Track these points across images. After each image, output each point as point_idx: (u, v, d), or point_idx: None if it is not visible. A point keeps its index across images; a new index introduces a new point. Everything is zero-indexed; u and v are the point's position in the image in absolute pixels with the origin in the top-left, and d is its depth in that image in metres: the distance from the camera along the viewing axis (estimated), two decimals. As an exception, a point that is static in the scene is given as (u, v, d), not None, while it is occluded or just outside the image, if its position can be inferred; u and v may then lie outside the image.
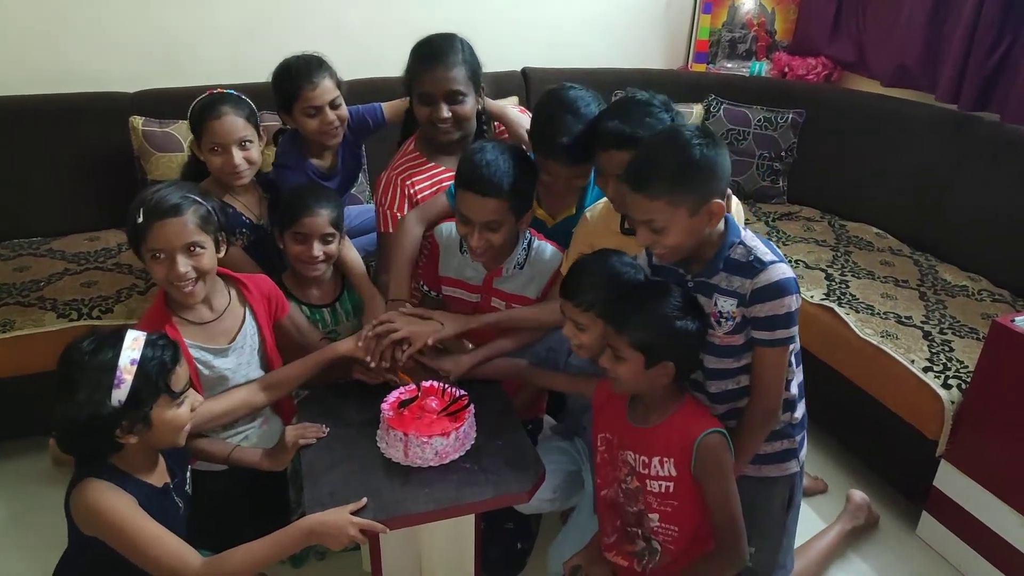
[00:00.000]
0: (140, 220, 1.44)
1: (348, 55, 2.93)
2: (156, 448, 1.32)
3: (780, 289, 1.36)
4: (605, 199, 1.72)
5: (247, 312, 1.64)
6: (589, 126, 1.65)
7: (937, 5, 2.70)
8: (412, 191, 1.96)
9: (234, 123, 1.85)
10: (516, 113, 2.14)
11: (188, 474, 1.43)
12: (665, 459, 1.40)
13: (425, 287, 1.88)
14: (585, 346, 1.50)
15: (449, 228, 1.81)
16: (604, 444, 1.52)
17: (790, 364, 1.47)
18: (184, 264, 1.46)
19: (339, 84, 2.03)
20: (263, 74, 2.72)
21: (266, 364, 1.68)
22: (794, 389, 1.51)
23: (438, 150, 1.98)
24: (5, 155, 2.49)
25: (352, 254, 1.94)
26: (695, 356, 1.43)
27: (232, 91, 1.94)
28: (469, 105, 1.90)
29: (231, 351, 1.59)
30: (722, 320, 1.41)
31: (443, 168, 1.98)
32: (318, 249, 1.81)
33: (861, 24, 3.08)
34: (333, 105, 2.00)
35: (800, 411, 1.54)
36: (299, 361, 1.64)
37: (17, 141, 2.50)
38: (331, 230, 1.83)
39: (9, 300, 2.16)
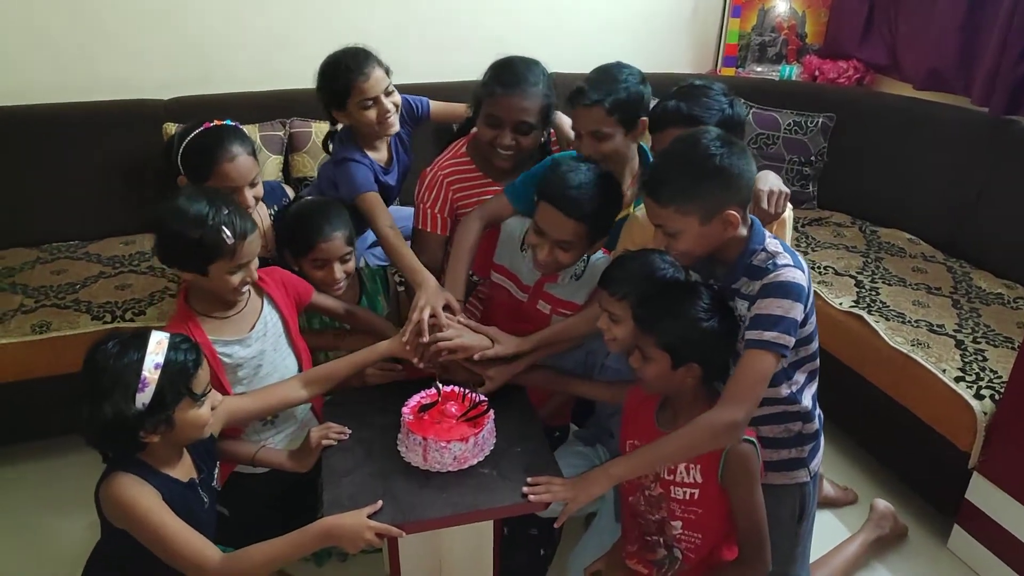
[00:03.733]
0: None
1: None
2: (179, 445, 1.35)
3: (783, 290, 1.32)
4: None
5: (264, 300, 1.66)
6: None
7: (971, 7, 2.64)
8: (455, 196, 1.95)
9: (246, 164, 1.77)
10: (566, 118, 2.07)
11: (216, 470, 1.46)
12: (692, 465, 1.39)
13: (472, 273, 1.86)
14: (619, 339, 1.50)
15: (515, 222, 1.81)
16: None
17: (805, 378, 1.44)
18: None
19: (388, 70, 2.01)
20: (292, 81, 2.80)
21: (294, 347, 1.70)
22: (807, 402, 1.48)
23: (491, 164, 1.95)
24: (44, 162, 2.57)
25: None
26: (723, 359, 1.41)
27: (230, 122, 1.85)
28: (534, 138, 1.86)
29: (253, 339, 1.61)
30: (742, 323, 1.39)
31: (494, 185, 1.96)
32: (339, 271, 1.81)
33: (893, 27, 3.03)
34: (387, 92, 1.97)
35: (813, 424, 1.52)
36: (342, 359, 1.64)
37: (55, 148, 2.57)
38: (348, 249, 1.82)
39: (46, 302, 2.23)
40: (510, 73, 1.82)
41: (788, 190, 1.68)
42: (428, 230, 1.94)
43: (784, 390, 1.45)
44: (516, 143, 1.83)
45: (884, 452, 2.26)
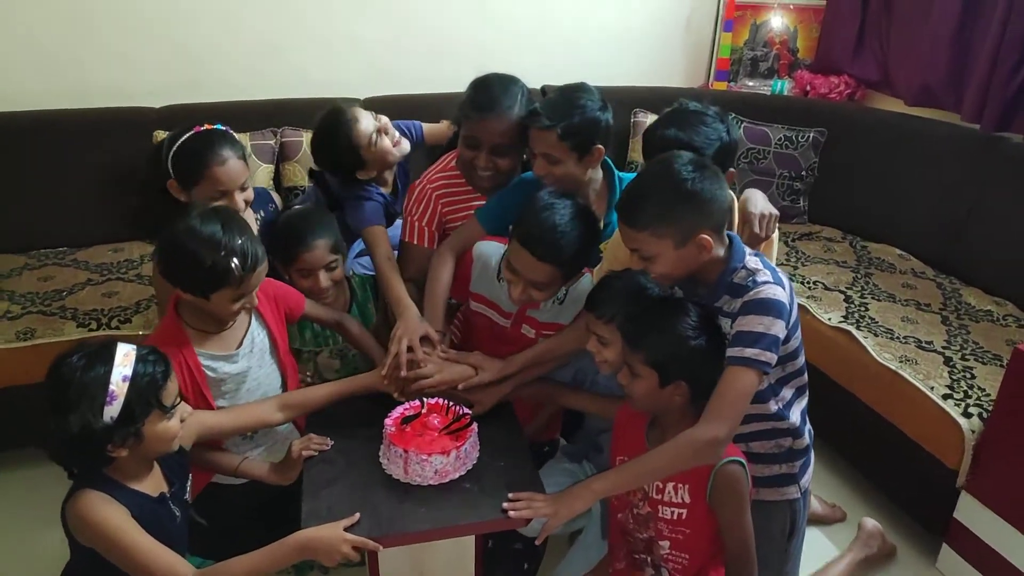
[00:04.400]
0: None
1: (368, 72, 3.00)
2: (148, 458, 1.33)
3: (763, 307, 1.31)
4: None
5: (253, 316, 1.65)
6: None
7: (962, 23, 2.66)
8: (444, 210, 1.94)
9: (237, 168, 1.76)
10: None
11: (188, 482, 1.44)
12: (680, 485, 1.38)
13: (451, 298, 1.85)
14: (609, 361, 1.50)
15: (489, 250, 1.77)
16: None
17: (792, 394, 1.44)
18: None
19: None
20: (284, 91, 2.80)
21: (279, 364, 1.68)
22: (795, 417, 1.47)
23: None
24: (34, 168, 2.56)
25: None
26: (711, 377, 1.39)
27: (220, 126, 1.83)
28: (512, 159, 1.86)
29: (240, 356, 1.59)
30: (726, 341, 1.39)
31: (482, 200, 1.95)
32: (325, 280, 1.80)
33: (885, 42, 3.04)
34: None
35: (803, 439, 1.51)
36: (321, 387, 1.64)
37: (46, 154, 2.56)
38: (332, 258, 1.81)
39: (32, 309, 2.21)
40: (485, 96, 1.81)
41: (777, 211, 1.68)
42: (415, 243, 1.94)
43: (772, 406, 1.45)
44: (494, 164, 1.84)
45: (872, 469, 2.24)
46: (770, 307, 1.31)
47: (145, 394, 1.22)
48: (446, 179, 1.96)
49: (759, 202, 1.68)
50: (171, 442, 1.30)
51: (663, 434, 1.41)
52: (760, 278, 1.35)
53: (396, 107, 2.61)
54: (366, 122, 2.01)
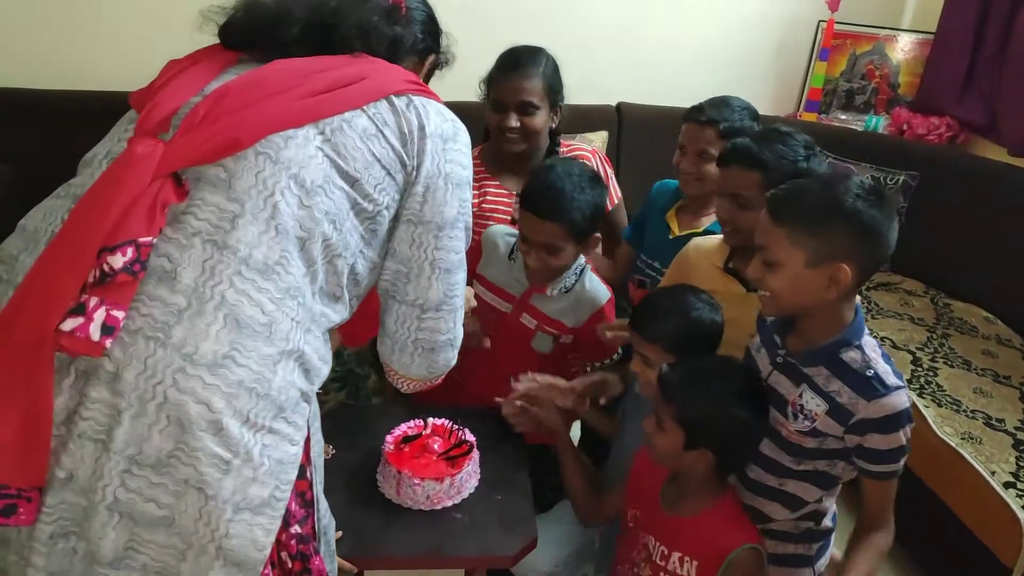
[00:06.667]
0: None
1: (438, 86, 2.99)
2: None
3: (901, 421, 1.20)
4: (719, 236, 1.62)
5: None
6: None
7: (1085, 72, 2.41)
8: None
9: None
10: None
11: None
12: (687, 559, 1.28)
13: None
14: (652, 382, 1.40)
15: (498, 231, 1.78)
16: (632, 520, 1.42)
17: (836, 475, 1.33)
18: None
19: None
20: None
21: None
22: (828, 501, 1.36)
23: (503, 166, 1.96)
24: (32, 147, 2.49)
25: None
26: (740, 454, 1.29)
27: None
28: (540, 119, 1.86)
29: None
30: (799, 415, 1.25)
31: (504, 190, 1.94)
32: None
33: (995, 85, 2.79)
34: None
35: (827, 521, 1.39)
36: None
37: (45, 134, 2.49)
38: None
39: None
40: (510, 58, 1.86)
41: None
42: None
43: (816, 492, 1.33)
44: (521, 125, 1.85)
45: (922, 553, 2.05)
46: (904, 419, 1.21)
47: None
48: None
49: None
50: None
51: (679, 496, 1.32)
52: (891, 380, 1.21)
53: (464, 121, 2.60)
54: None
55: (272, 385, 0.88)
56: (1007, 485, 1.73)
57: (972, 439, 1.87)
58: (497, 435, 1.56)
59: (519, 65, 1.84)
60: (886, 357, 1.25)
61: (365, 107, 0.97)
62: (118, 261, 0.81)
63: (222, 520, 0.84)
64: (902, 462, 1.22)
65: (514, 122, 1.84)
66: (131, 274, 0.82)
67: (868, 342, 1.25)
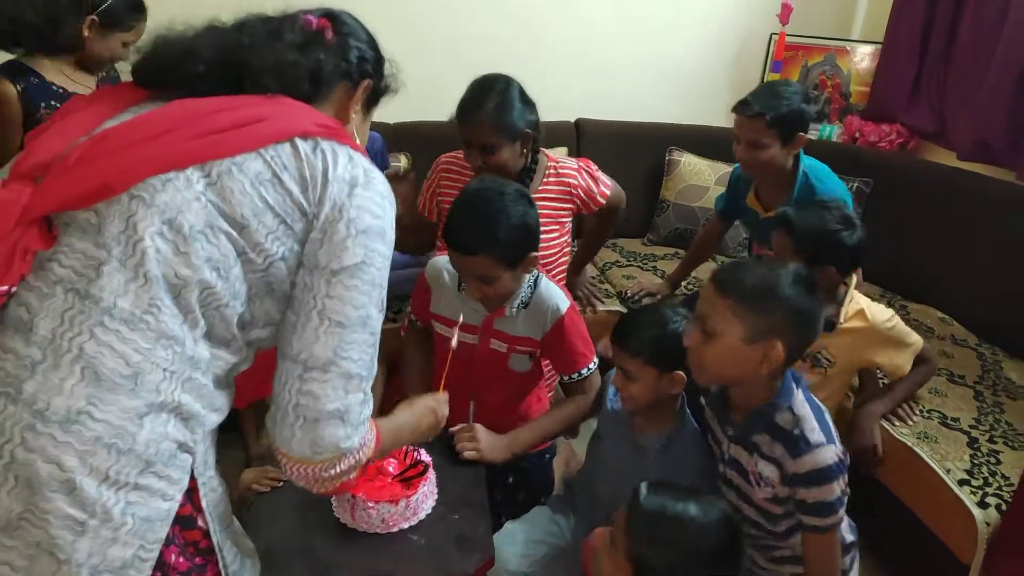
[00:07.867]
0: None
1: (397, 101, 3.01)
2: None
3: (828, 475, 1.26)
4: None
5: None
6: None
7: (1024, 76, 2.48)
8: (441, 183, 2.07)
9: None
10: None
11: None
12: None
13: (413, 316, 1.82)
14: (633, 396, 1.48)
15: (441, 264, 1.70)
16: None
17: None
18: None
19: None
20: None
21: None
22: (850, 536, 1.46)
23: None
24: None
25: None
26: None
27: None
28: (503, 156, 1.88)
29: None
30: (761, 483, 1.33)
31: None
32: None
33: (942, 92, 2.87)
34: None
35: (848, 535, 1.47)
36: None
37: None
38: None
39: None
40: (463, 100, 1.90)
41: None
42: (419, 210, 2.14)
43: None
44: (486, 163, 1.89)
45: (884, 551, 2.07)
46: (833, 472, 1.26)
47: None
48: (456, 159, 2.08)
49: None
50: None
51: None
52: (814, 438, 1.27)
53: (421, 134, 2.62)
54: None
55: (137, 439, 0.84)
56: (962, 483, 1.75)
57: (927, 438, 1.90)
58: (453, 454, 1.56)
59: (467, 110, 1.87)
60: (817, 411, 1.31)
61: (263, 150, 0.91)
62: None
63: None
64: (840, 514, 1.28)
65: (478, 161, 1.89)
66: None
67: (798, 400, 1.31)
